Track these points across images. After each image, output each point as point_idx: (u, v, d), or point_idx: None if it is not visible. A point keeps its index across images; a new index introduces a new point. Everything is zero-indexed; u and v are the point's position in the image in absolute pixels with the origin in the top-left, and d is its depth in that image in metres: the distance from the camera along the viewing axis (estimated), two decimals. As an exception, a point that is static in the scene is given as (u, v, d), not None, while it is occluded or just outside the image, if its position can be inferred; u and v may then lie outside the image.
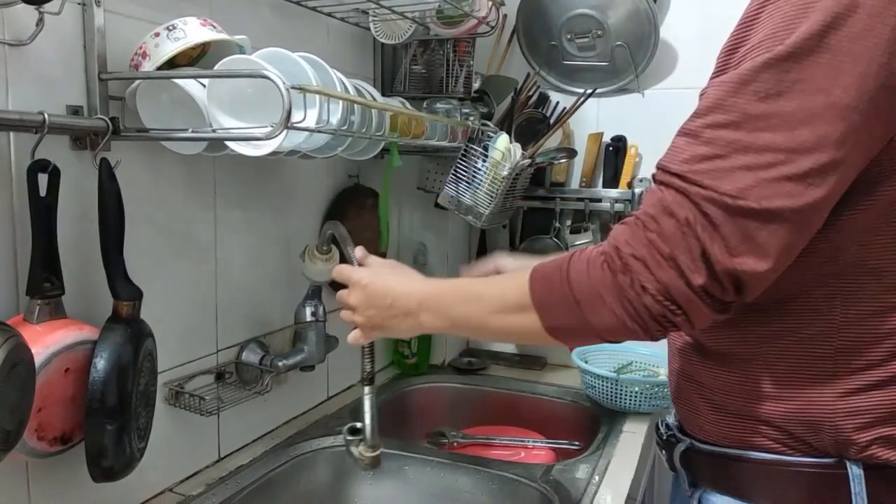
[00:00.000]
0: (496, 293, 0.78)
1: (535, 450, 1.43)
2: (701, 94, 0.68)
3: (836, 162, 0.60)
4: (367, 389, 1.06)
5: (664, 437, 0.86)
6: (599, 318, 0.67)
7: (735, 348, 0.74)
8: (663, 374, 1.54)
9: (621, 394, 1.44)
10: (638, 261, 0.64)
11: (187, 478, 1.13)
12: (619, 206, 1.67)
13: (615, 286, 0.65)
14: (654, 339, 0.67)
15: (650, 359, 1.61)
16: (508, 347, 1.85)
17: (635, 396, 1.43)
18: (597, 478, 1.17)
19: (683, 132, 0.66)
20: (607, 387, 1.45)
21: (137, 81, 0.90)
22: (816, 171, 0.60)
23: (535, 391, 1.64)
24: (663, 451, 0.86)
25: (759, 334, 0.72)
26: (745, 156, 0.61)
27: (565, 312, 0.69)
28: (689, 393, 0.80)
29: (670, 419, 0.88)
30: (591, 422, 1.48)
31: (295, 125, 0.83)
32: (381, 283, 0.88)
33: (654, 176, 0.68)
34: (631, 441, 1.33)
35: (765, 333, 0.72)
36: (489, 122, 1.47)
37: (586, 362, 1.55)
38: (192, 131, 0.86)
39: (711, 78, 0.68)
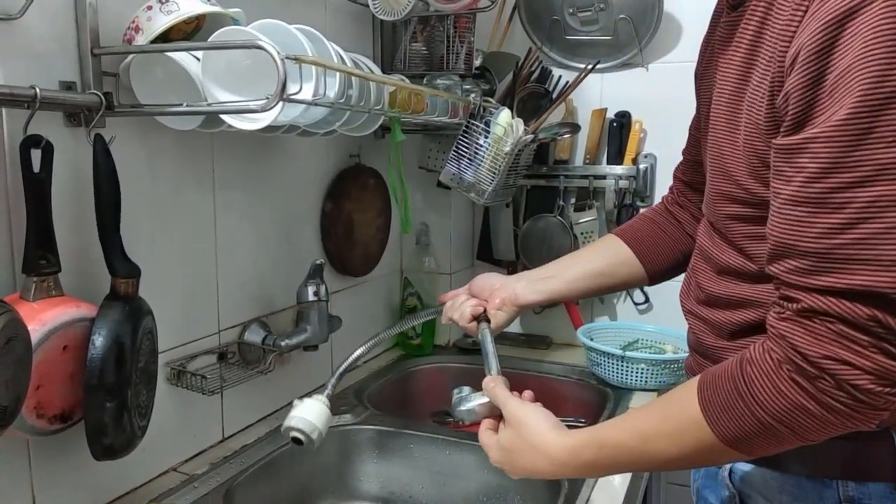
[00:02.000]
0: (674, 445, 0.66)
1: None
2: (790, 149, 0.58)
3: None
4: (483, 325, 0.98)
5: None
6: (810, 431, 0.59)
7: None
8: (670, 350, 1.53)
9: (627, 371, 1.43)
10: (835, 361, 0.56)
11: (191, 457, 1.13)
12: (623, 183, 1.65)
13: (817, 393, 0.57)
14: (878, 423, 0.59)
15: (656, 336, 1.60)
16: (514, 327, 1.84)
17: (641, 373, 1.42)
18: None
19: (800, 201, 0.56)
20: (613, 364, 1.44)
21: (131, 56, 0.89)
22: None
23: (540, 370, 1.63)
24: None
25: None
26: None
27: (767, 437, 0.61)
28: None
29: None
30: (598, 399, 1.48)
31: (291, 97, 0.82)
32: (517, 439, 0.76)
33: (774, 254, 0.60)
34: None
35: None
36: (491, 99, 1.45)
37: (592, 340, 1.54)
38: (187, 105, 0.85)
39: (790, 123, 0.58)
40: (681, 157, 1.03)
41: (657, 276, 1.02)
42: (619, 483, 1.08)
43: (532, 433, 0.73)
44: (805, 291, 0.57)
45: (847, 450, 0.70)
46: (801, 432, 0.59)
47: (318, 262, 1.24)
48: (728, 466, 0.78)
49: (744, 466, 0.77)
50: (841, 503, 0.70)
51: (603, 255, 1.03)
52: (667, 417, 0.67)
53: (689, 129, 0.99)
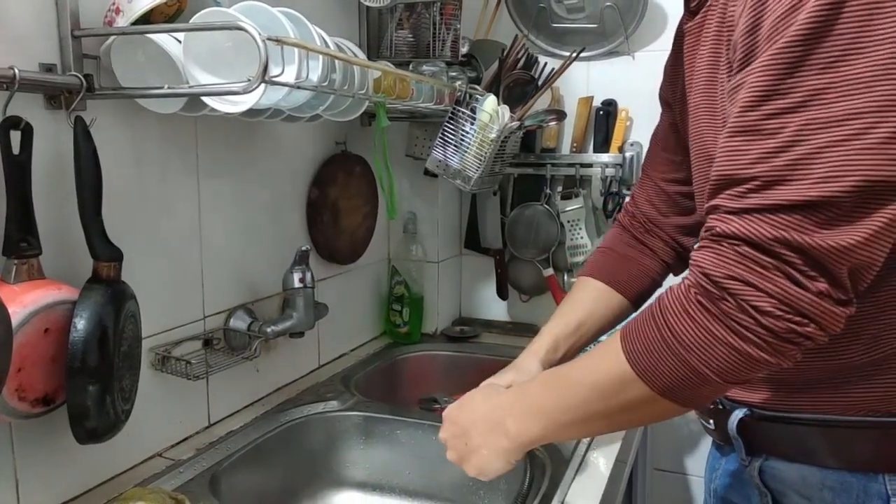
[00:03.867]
0: (589, 375, 0.67)
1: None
2: (736, 87, 0.60)
3: None
4: None
5: (710, 407, 0.80)
6: (719, 359, 0.57)
7: None
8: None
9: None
10: (738, 282, 0.55)
11: (177, 443, 1.13)
12: (610, 171, 1.65)
13: (723, 317, 0.56)
14: (790, 362, 0.58)
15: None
16: (501, 315, 1.85)
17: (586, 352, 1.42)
18: (587, 438, 1.17)
19: (738, 131, 0.57)
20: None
21: (112, 38, 0.88)
22: None
23: (527, 357, 1.63)
24: (710, 421, 0.80)
25: None
26: (829, 131, 0.52)
27: (677, 369, 0.60)
28: None
29: None
30: None
31: (273, 79, 0.82)
32: (463, 406, 0.80)
33: (713, 189, 0.60)
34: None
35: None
36: (476, 86, 1.45)
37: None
38: (168, 87, 0.84)
39: (738, 64, 0.60)
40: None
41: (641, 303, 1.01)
42: (603, 467, 1.09)
43: (463, 400, 0.82)
44: (725, 216, 0.57)
45: (889, 442, 0.67)
46: (712, 363, 0.58)
47: (303, 248, 1.24)
48: (757, 465, 0.74)
49: (776, 464, 0.73)
50: (889, 499, 0.66)
51: (591, 307, 0.99)
52: (590, 357, 0.70)
53: (654, 151, 0.99)
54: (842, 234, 0.53)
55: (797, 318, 0.55)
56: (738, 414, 0.76)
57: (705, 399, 0.64)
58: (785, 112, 0.55)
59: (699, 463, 1.78)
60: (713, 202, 0.60)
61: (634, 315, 0.65)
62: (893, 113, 0.51)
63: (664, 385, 0.61)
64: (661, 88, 0.96)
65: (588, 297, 0.98)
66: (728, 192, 0.58)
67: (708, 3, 0.74)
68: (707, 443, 1.72)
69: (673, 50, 0.91)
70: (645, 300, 1.01)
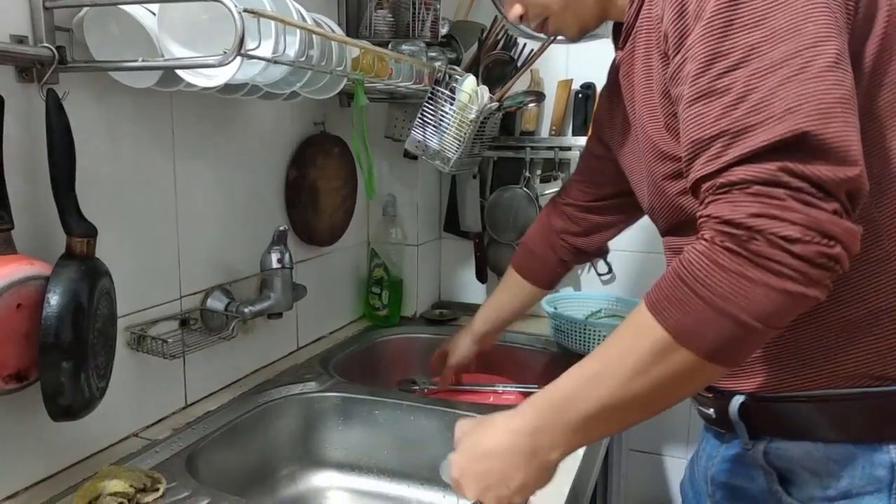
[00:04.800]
0: (618, 356, 0.63)
1: (505, 394, 1.44)
2: (678, 67, 0.65)
3: (844, 44, 0.59)
4: None
5: (709, 396, 0.80)
6: (758, 304, 0.56)
7: None
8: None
9: (590, 338, 1.45)
10: (761, 217, 0.56)
11: (153, 423, 1.12)
12: (588, 155, 1.66)
13: (754, 256, 0.56)
14: (824, 293, 0.58)
15: (618, 305, 1.62)
16: (480, 298, 1.85)
17: (604, 340, 1.44)
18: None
19: (693, 99, 0.61)
20: (576, 331, 1.46)
21: (84, 10, 0.87)
22: (840, 54, 0.57)
23: (505, 339, 1.64)
24: (710, 410, 0.81)
25: None
26: (775, 74, 0.57)
27: (717, 323, 0.58)
28: None
29: None
30: (561, 367, 1.46)
31: (249, 52, 0.81)
32: (478, 433, 0.71)
33: (688, 160, 0.62)
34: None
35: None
36: (456, 67, 1.44)
37: (556, 309, 1.56)
38: (143, 60, 0.83)
39: (674, 48, 0.65)
40: None
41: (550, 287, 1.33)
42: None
43: (482, 421, 0.73)
44: (717, 174, 0.59)
45: (889, 411, 0.68)
46: (754, 309, 0.57)
47: (281, 228, 1.23)
48: (761, 447, 0.75)
49: (780, 444, 0.74)
50: (895, 466, 0.67)
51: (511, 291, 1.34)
52: (616, 339, 0.65)
53: (586, 160, 1.18)
54: (830, 155, 0.56)
55: (825, 241, 0.56)
56: (739, 399, 0.76)
57: (748, 354, 0.62)
58: (731, 70, 0.59)
59: (675, 444, 1.81)
60: (695, 173, 0.61)
61: (653, 286, 0.63)
62: (824, 45, 0.57)
63: (709, 346, 0.59)
64: (597, 111, 1.10)
65: (509, 283, 1.33)
66: (704, 154, 0.60)
67: (633, 32, 0.81)
68: (684, 423, 1.74)
69: (608, 83, 1.04)
70: (553, 285, 1.33)
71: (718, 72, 0.59)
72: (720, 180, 0.59)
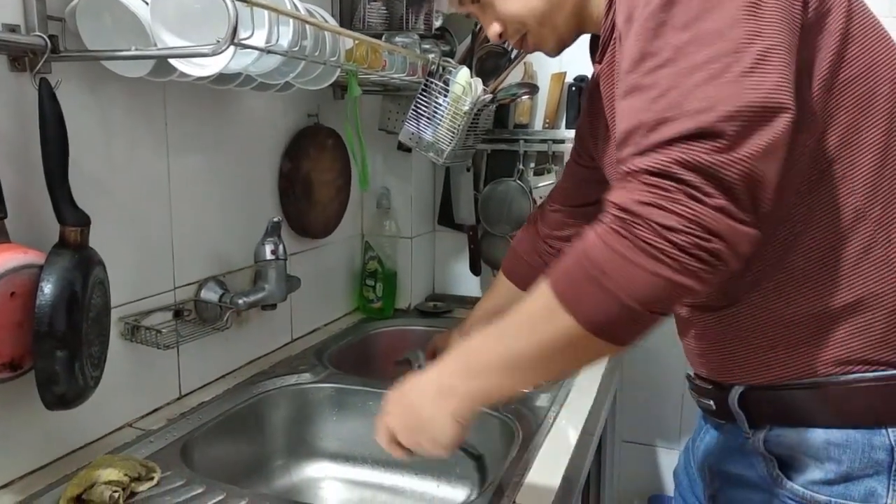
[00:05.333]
0: (519, 315, 0.68)
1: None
2: (621, 62, 0.68)
3: (775, 45, 0.60)
4: None
5: (709, 388, 0.82)
6: (635, 284, 0.59)
7: (775, 277, 0.72)
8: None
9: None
10: (647, 205, 0.59)
11: (147, 413, 1.13)
12: (582, 147, 1.66)
13: (635, 240, 0.59)
14: (706, 284, 0.60)
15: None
16: (474, 290, 1.86)
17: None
18: (556, 407, 1.19)
19: (624, 94, 0.65)
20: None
21: (77, -1, 0.87)
22: (762, 59, 0.60)
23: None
24: (710, 402, 0.83)
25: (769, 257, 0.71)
26: (696, 75, 0.60)
27: (598, 297, 0.61)
28: (723, 348, 0.79)
29: (692, 373, 0.86)
30: None
31: (242, 42, 0.81)
32: (405, 387, 0.79)
33: (619, 149, 0.65)
34: (590, 372, 1.35)
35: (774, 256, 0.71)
36: (450, 59, 1.44)
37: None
38: (136, 49, 0.83)
39: (620, 45, 0.69)
40: None
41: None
42: (571, 435, 1.11)
43: (404, 383, 0.80)
44: (628, 162, 0.62)
45: (885, 395, 0.70)
46: (631, 288, 0.60)
47: (275, 219, 1.24)
48: (761, 436, 0.77)
49: (780, 431, 0.75)
50: (893, 449, 0.69)
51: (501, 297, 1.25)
52: (522, 302, 0.70)
53: (570, 168, 1.17)
54: (729, 154, 0.58)
55: (703, 234, 0.58)
56: (739, 389, 0.78)
57: (633, 334, 0.64)
58: (658, 68, 0.62)
59: (667, 435, 1.82)
60: (617, 158, 0.65)
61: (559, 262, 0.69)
62: (744, 53, 0.59)
63: (588, 317, 0.62)
64: (577, 126, 1.11)
65: (498, 287, 1.27)
66: (627, 144, 0.64)
67: (610, 44, 0.82)
68: (676, 415, 1.76)
69: (587, 97, 1.03)
70: None
71: (647, 69, 0.63)
72: (624, 167, 0.63)
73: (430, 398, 0.74)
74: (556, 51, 0.95)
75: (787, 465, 0.76)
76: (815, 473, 0.73)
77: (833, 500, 0.71)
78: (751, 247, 0.60)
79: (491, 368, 0.70)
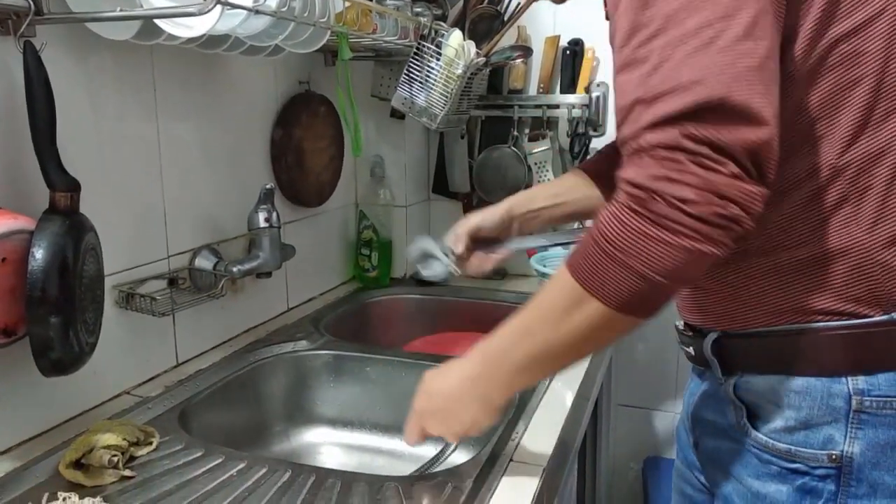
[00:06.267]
0: (543, 308, 0.71)
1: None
2: (611, 39, 0.68)
3: (764, 10, 0.61)
4: None
5: (689, 335, 0.85)
6: (659, 259, 0.61)
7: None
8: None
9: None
10: (661, 180, 0.60)
11: (145, 381, 1.13)
12: (576, 112, 1.65)
13: (654, 215, 0.61)
14: (727, 249, 0.62)
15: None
16: (469, 258, 1.86)
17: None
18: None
19: (618, 70, 0.65)
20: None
21: (59, -41, 0.85)
22: (754, 24, 0.60)
23: (495, 298, 1.66)
24: (689, 348, 0.85)
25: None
26: (686, 44, 0.60)
27: (623, 277, 0.63)
28: (700, 293, 0.80)
29: (680, 323, 0.87)
30: None
31: (229, 1, 0.80)
32: (429, 389, 0.83)
33: (617, 125, 0.65)
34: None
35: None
36: (442, 22, 1.43)
37: (545, 268, 1.57)
38: (121, 10, 0.82)
39: (609, 17, 0.68)
40: None
41: None
42: (567, 398, 1.12)
43: (434, 371, 0.84)
44: (632, 139, 0.63)
45: (852, 342, 0.71)
46: (654, 264, 0.62)
47: (268, 186, 1.23)
48: (732, 382, 0.79)
49: (749, 377, 0.77)
50: (851, 396, 0.70)
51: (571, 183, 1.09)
52: (542, 293, 0.72)
53: None
54: (731, 123, 0.59)
55: (720, 201, 0.59)
56: (713, 336, 0.80)
57: (661, 305, 0.67)
58: (649, 39, 0.62)
59: (662, 398, 1.84)
60: (619, 135, 0.65)
61: (575, 247, 0.70)
62: (737, 16, 0.59)
63: (617, 299, 0.65)
64: None
65: (572, 177, 1.09)
66: (625, 120, 0.64)
67: None
68: (671, 378, 1.77)
69: None
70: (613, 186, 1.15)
71: (639, 42, 0.62)
72: (633, 145, 0.63)
73: (468, 401, 0.79)
74: None
75: (754, 413, 0.77)
76: (776, 422, 0.74)
77: (793, 448, 0.73)
78: (763, 206, 0.62)
79: (529, 366, 0.74)
